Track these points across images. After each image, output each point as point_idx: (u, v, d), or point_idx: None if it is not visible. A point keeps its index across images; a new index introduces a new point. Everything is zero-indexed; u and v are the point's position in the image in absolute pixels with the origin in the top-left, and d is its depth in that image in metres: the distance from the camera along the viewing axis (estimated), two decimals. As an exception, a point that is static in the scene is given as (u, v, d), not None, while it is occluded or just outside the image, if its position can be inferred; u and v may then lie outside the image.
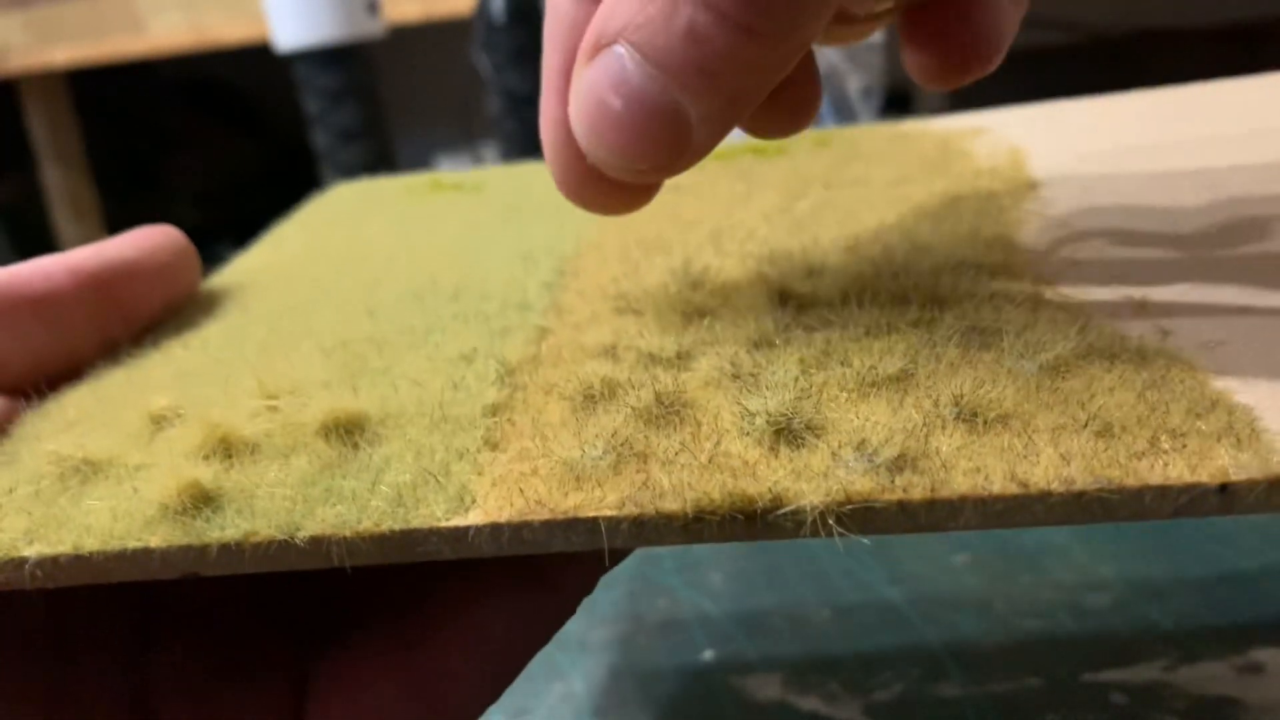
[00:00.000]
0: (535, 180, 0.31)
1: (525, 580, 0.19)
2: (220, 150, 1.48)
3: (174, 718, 0.18)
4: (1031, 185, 0.24)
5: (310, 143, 0.77)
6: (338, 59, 0.72)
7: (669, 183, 0.29)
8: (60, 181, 1.32)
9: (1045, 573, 0.30)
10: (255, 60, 0.98)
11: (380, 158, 0.79)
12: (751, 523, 0.14)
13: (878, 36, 0.62)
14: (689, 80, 0.15)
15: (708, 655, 0.29)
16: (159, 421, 0.17)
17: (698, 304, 0.20)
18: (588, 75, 0.16)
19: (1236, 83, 0.28)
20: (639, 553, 0.34)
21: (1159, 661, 0.26)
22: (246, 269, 0.27)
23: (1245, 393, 0.14)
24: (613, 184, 0.17)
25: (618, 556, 0.20)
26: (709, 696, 0.27)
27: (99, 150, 1.39)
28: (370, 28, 0.71)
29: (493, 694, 0.19)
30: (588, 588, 0.19)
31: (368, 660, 0.19)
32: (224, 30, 1.06)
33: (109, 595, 0.19)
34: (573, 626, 0.31)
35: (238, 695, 0.18)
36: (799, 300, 0.19)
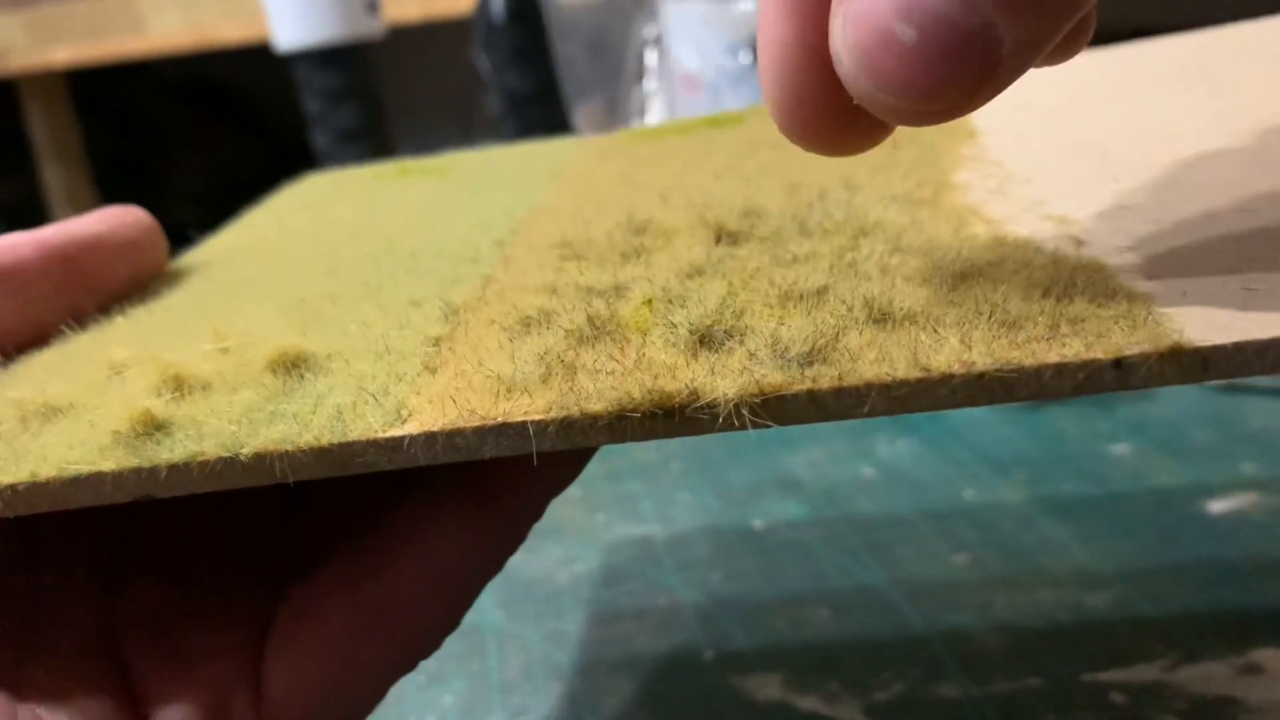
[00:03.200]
0: (499, 161, 0.32)
1: (475, 506, 0.19)
2: (220, 150, 1.48)
3: (140, 659, 0.18)
4: (970, 134, 0.25)
5: (310, 143, 0.77)
6: (338, 59, 0.72)
7: (627, 153, 0.29)
8: (60, 181, 1.32)
9: (1045, 573, 0.30)
10: (255, 60, 0.98)
11: (380, 158, 0.79)
12: (670, 418, 0.14)
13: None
14: None
15: (708, 655, 0.29)
16: (119, 370, 0.18)
17: (638, 246, 0.20)
18: (862, 1, 0.13)
19: (1183, 37, 0.29)
20: (639, 553, 0.34)
21: (1159, 661, 0.26)
22: (214, 248, 0.28)
23: (1148, 286, 0.15)
24: (857, 122, 0.15)
25: (565, 479, 0.20)
26: (709, 696, 0.27)
27: (99, 150, 1.39)
28: (370, 28, 0.71)
29: (450, 620, 0.20)
30: (537, 512, 0.20)
31: (324, 593, 0.19)
32: (224, 30, 1.06)
33: (77, 539, 0.19)
34: (573, 626, 0.31)
35: (202, 635, 0.19)
36: (734, 237, 0.20)
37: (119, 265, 0.23)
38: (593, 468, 0.43)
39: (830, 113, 0.15)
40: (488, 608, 0.33)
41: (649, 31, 0.62)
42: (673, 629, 0.30)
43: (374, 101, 0.76)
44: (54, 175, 1.32)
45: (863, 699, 0.26)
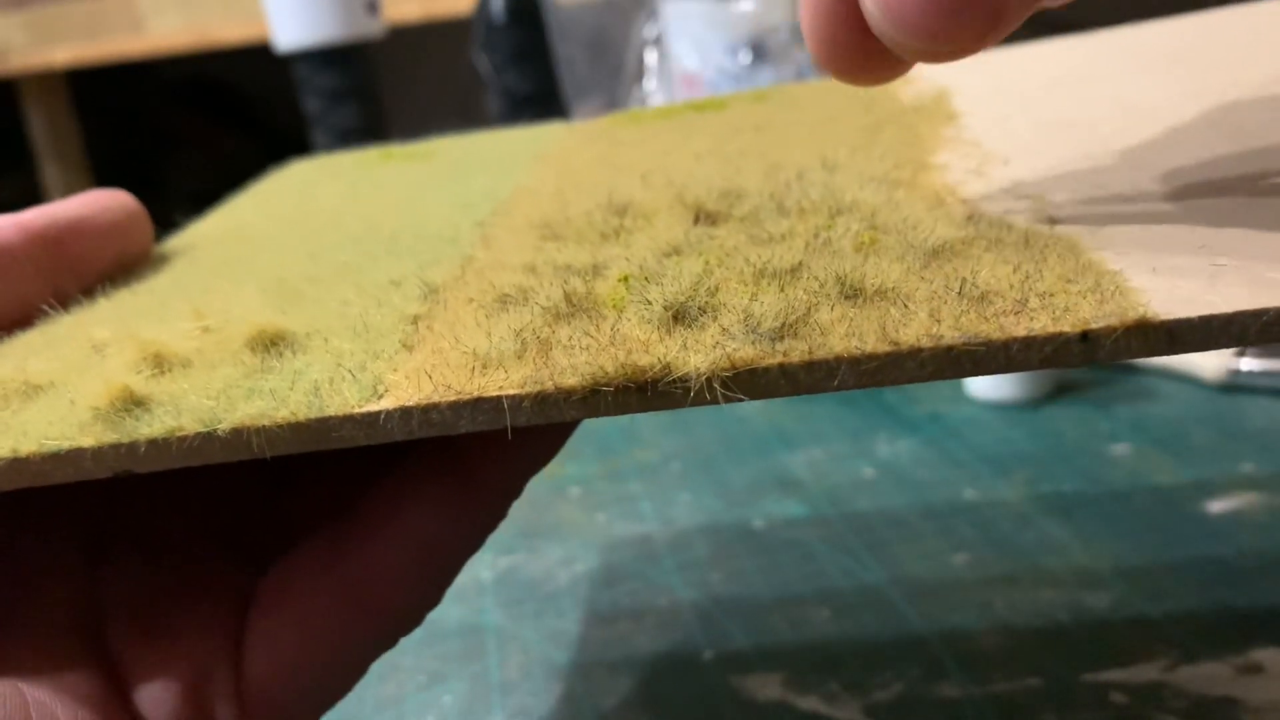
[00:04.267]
0: (482, 145, 0.32)
1: (454, 483, 0.19)
2: (220, 150, 1.48)
3: (122, 635, 0.19)
4: (951, 116, 0.25)
5: (310, 143, 0.77)
6: (338, 59, 0.72)
7: (609, 137, 0.29)
8: (60, 181, 1.32)
9: (1045, 573, 0.30)
10: (255, 60, 0.98)
11: (380, 158, 0.79)
12: (643, 392, 0.14)
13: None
14: None
15: (707, 655, 0.29)
16: (100, 349, 0.18)
17: (617, 226, 0.20)
18: None
19: (1163, 22, 0.29)
20: (639, 553, 0.34)
21: (1159, 661, 0.26)
22: (198, 232, 0.28)
23: (1117, 262, 0.15)
24: (886, 58, 0.16)
25: (544, 457, 0.20)
26: (709, 696, 0.27)
27: (99, 150, 1.39)
28: (370, 28, 0.71)
29: (430, 597, 0.20)
30: (517, 489, 0.20)
31: (304, 570, 0.19)
32: (224, 30, 1.06)
33: (60, 517, 0.19)
34: (573, 626, 0.31)
35: (183, 614, 0.19)
36: (712, 217, 0.20)
37: (102, 248, 0.23)
38: (593, 468, 0.43)
39: (859, 49, 0.16)
40: (488, 608, 0.33)
41: (649, 31, 0.62)
42: (672, 629, 0.30)
43: (374, 101, 0.75)
44: (54, 175, 1.32)
45: (863, 699, 0.26)
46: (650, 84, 0.62)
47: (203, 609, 0.19)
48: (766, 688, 0.27)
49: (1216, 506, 0.33)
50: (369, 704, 0.29)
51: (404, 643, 0.32)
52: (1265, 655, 0.26)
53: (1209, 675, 0.25)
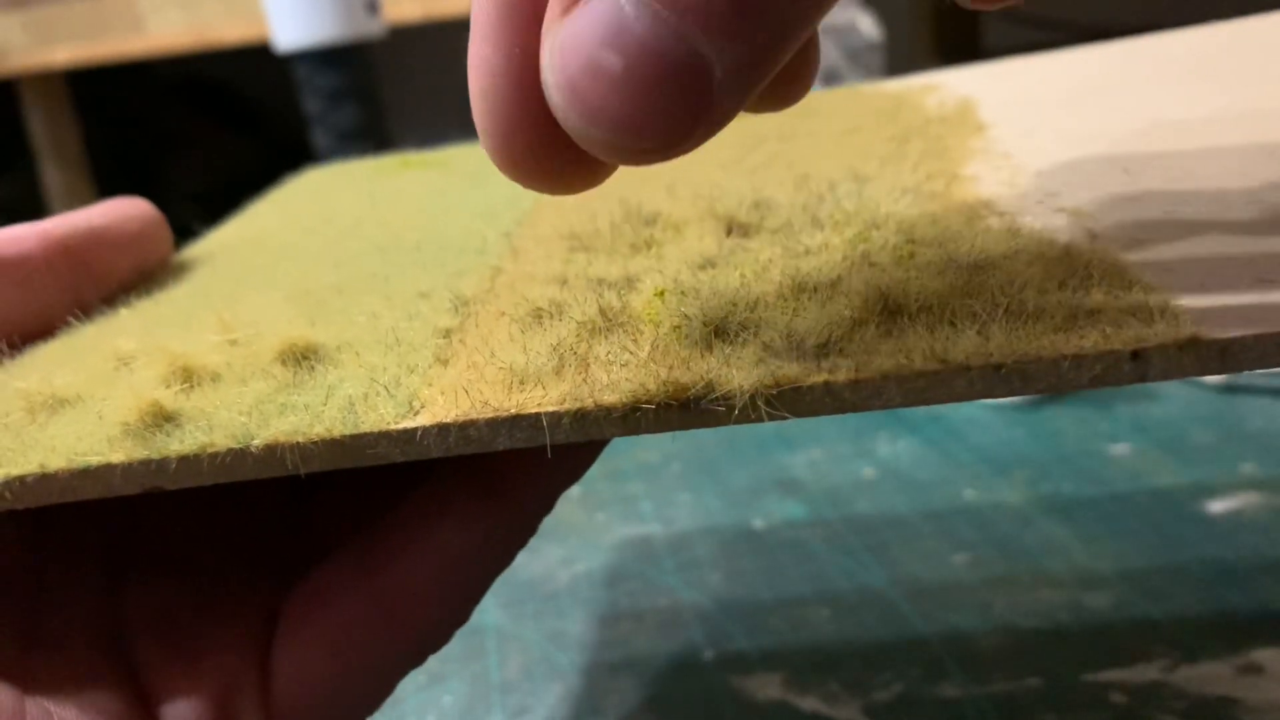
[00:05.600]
0: None
1: (484, 499, 0.19)
2: (220, 150, 1.48)
3: (147, 652, 0.18)
4: (979, 128, 0.25)
5: (310, 143, 0.77)
6: (338, 59, 0.72)
7: None
8: (60, 181, 1.32)
9: (1045, 573, 0.30)
10: (255, 60, 0.98)
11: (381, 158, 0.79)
12: (686, 410, 0.14)
13: (877, 35, 0.61)
14: (716, 18, 0.12)
15: (708, 655, 0.29)
16: (126, 361, 0.18)
17: (647, 238, 0.20)
18: (570, 28, 0.12)
19: (1187, 31, 0.29)
20: (639, 552, 0.34)
21: (1159, 661, 0.26)
22: (218, 240, 0.28)
23: (1163, 278, 0.15)
24: (574, 157, 0.14)
25: (576, 473, 0.20)
26: (709, 696, 0.27)
27: (99, 150, 1.39)
28: (370, 28, 0.71)
29: (460, 614, 0.19)
30: (548, 505, 0.20)
31: (333, 586, 0.19)
32: (224, 30, 1.06)
33: (85, 531, 0.19)
34: (573, 626, 0.31)
35: (209, 630, 0.19)
36: (745, 229, 0.20)
37: (123, 257, 0.23)
38: (593, 468, 0.43)
39: (545, 147, 0.14)
40: (488, 608, 0.33)
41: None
42: (673, 629, 0.30)
43: (374, 101, 0.75)
44: (54, 175, 1.32)
45: (863, 699, 0.26)
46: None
47: (229, 625, 0.19)
48: (766, 688, 0.27)
49: (1216, 507, 0.33)
50: (369, 704, 0.29)
51: (404, 643, 0.32)
52: (1265, 655, 0.26)
53: (1209, 675, 0.25)
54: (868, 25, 0.61)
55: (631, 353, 0.15)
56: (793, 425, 0.42)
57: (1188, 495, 0.33)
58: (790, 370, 0.14)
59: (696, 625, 0.30)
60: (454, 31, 0.91)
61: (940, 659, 0.27)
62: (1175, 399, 0.40)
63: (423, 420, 0.15)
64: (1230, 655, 0.26)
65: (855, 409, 0.14)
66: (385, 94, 0.81)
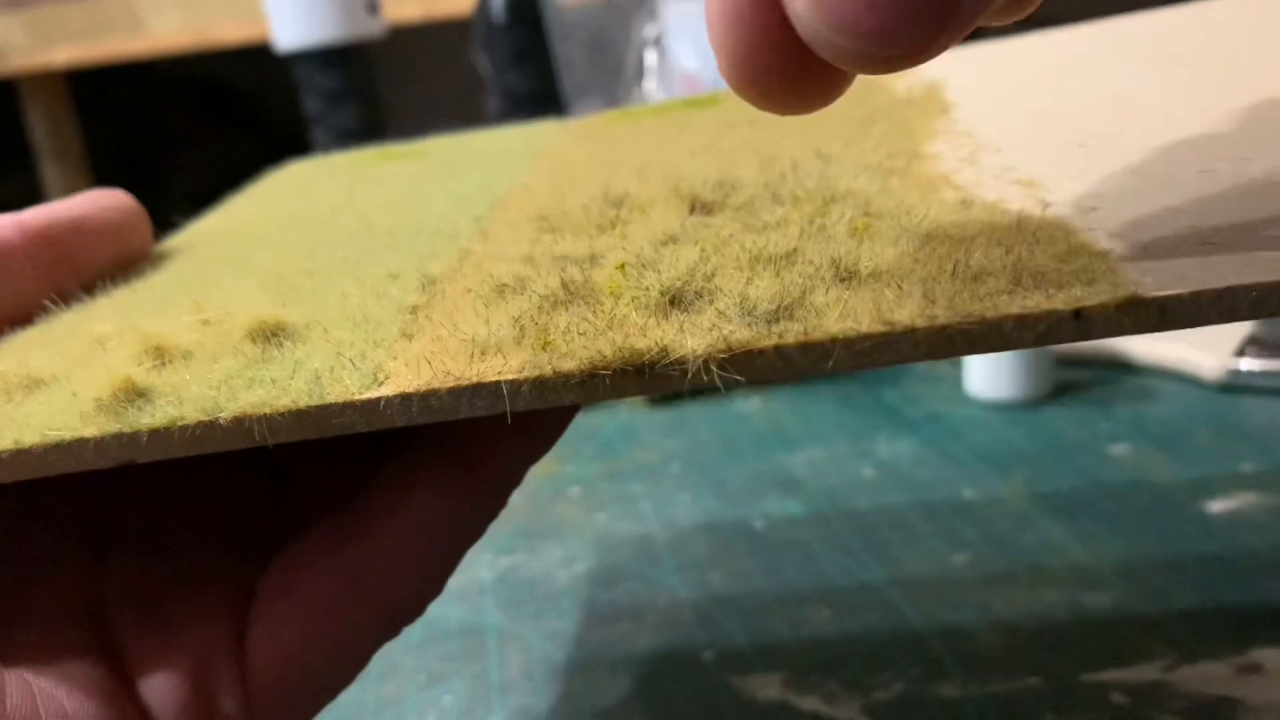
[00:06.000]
0: (478, 143, 0.32)
1: (454, 472, 0.19)
2: (220, 150, 1.48)
3: (127, 627, 0.19)
4: (944, 108, 0.25)
5: (310, 143, 0.77)
6: (338, 59, 0.72)
7: (605, 134, 0.30)
8: (60, 181, 1.32)
9: (1045, 572, 0.30)
10: (255, 60, 0.98)
11: (380, 158, 0.79)
12: (641, 375, 0.15)
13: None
14: None
15: (707, 655, 0.29)
16: (102, 343, 0.18)
17: (613, 218, 0.20)
18: None
19: (1153, 13, 0.29)
20: (639, 552, 0.34)
21: (1159, 661, 0.26)
22: (197, 231, 0.28)
23: (1109, 242, 0.15)
24: (813, 73, 0.14)
25: (543, 445, 0.20)
26: (709, 696, 0.27)
27: (99, 150, 1.39)
28: (370, 28, 0.71)
29: (432, 586, 0.20)
30: (517, 478, 0.20)
31: (306, 560, 0.19)
32: (224, 30, 1.06)
33: (65, 509, 0.20)
34: (573, 626, 0.31)
35: (187, 604, 0.19)
36: (708, 206, 0.20)
37: (102, 247, 0.23)
38: (593, 468, 0.43)
39: (784, 63, 0.13)
40: (488, 608, 0.33)
41: (649, 31, 0.62)
42: (672, 629, 0.30)
43: (374, 101, 0.75)
44: (54, 175, 1.32)
45: (863, 699, 0.26)
46: (650, 84, 0.62)
47: (206, 599, 0.19)
48: (766, 688, 0.27)
49: (1216, 506, 0.33)
50: (369, 704, 0.29)
51: (404, 643, 0.32)
52: (1265, 655, 0.26)
53: (1208, 675, 0.25)
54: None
55: (590, 322, 0.15)
56: (793, 425, 0.42)
57: (1187, 495, 0.33)
58: (742, 335, 0.14)
59: (696, 625, 0.30)
60: (454, 31, 0.91)
61: (940, 658, 0.27)
62: (1175, 399, 0.40)
63: (386, 390, 0.15)
64: (1230, 654, 0.26)
65: (805, 372, 0.14)
66: (385, 94, 0.81)
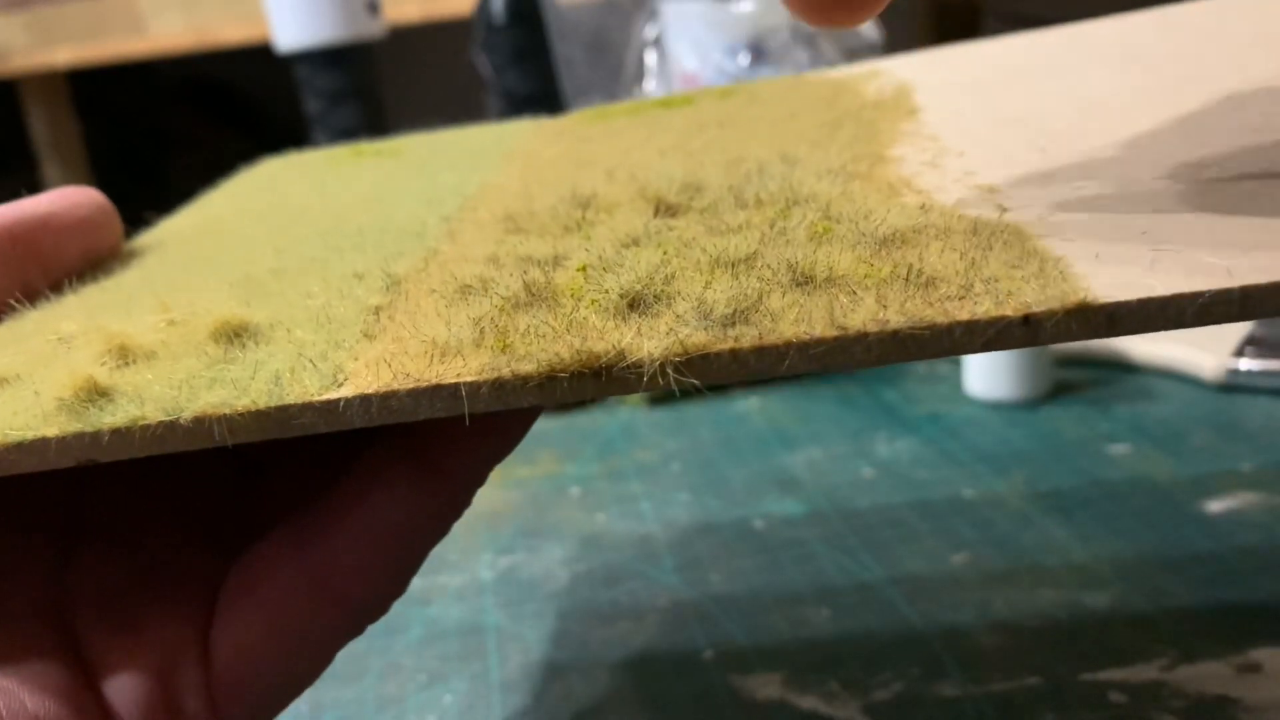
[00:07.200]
0: (452, 142, 0.33)
1: (417, 472, 0.19)
2: (221, 150, 1.48)
3: (91, 626, 0.19)
4: (911, 111, 0.25)
5: (311, 143, 0.77)
6: (338, 59, 0.72)
7: (576, 133, 0.30)
8: (60, 181, 1.32)
9: (1044, 572, 0.30)
10: (255, 60, 0.98)
11: (380, 158, 0.79)
12: (598, 378, 0.15)
13: (877, 36, 0.62)
14: None
15: (708, 655, 0.29)
16: (66, 342, 0.18)
17: (579, 219, 0.21)
18: None
19: (1118, 18, 0.29)
20: (639, 552, 0.35)
21: (1158, 661, 0.26)
22: (168, 228, 0.28)
23: (1062, 248, 0.15)
24: None
25: (506, 445, 0.21)
26: (709, 696, 0.27)
27: (99, 150, 1.39)
28: (370, 28, 0.71)
29: (394, 586, 0.20)
30: (480, 478, 0.20)
31: (270, 559, 0.19)
32: (224, 31, 1.06)
33: (29, 508, 0.20)
34: (573, 626, 0.31)
35: (151, 604, 0.19)
36: (673, 209, 0.20)
37: (71, 243, 0.23)
38: (593, 468, 0.43)
39: None
40: (488, 608, 0.33)
41: (649, 32, 0.62)
42: (673, 629, 0.30)
43: (374, 102, 0.76)
44: (54, 175, 1.32)
45: (862, 698, 0.26)
46: (650, 85, 0.62)
47: (171, 599, 0.19)
48: (766, 687, 0.27)
49: (1215, 506, 0.33)
50: (369, 704, 0.29)
51: (404, 642, 0.32)
52: (1264, 654, 0.26)
53: (1208, 674, 0.26)
54: (867, 25, 0.61)
55: (550, 325, 0.16)
56: (792, 425, 0.42)
57: (1186, 494, 0.33)
58: (698, 338, 0.15)
59: (696, 625, 0.30)
60: (454, 31, 0.91)
61: (939, 658, 0.27)
62: (1174, 399, 0.40)
63: (345, 392, 0.15)
64: (1229, 654, 0.26)
65: (760, 374, 0.15)
66: (385, 94, 0.81)
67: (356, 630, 0.20)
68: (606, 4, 0.64)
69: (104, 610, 0.19)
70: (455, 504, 0.20)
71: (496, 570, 0.35)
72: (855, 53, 0.61)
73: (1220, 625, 0.27)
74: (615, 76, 0.65)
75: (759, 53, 0.56)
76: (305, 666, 0.20)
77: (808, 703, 0.27)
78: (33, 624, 0.18)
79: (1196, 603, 0.28)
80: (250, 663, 0.19)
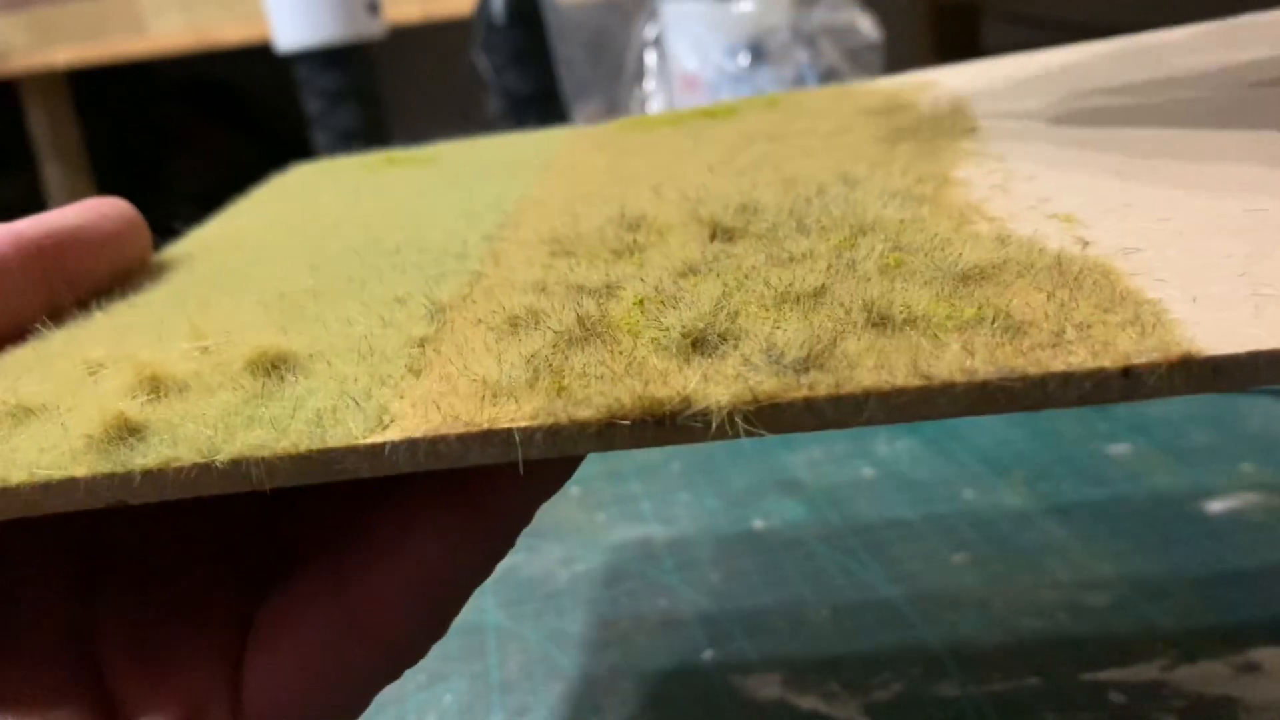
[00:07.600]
0: (487, 151, 0.32)
1: (461, 512, 0.18)
2: (221, 150, 1.48)
3: (117, 664, 0.18)
4: (971, 128, 0.24)
5: (310, 143, 0.77)
6: (338, 59, 0.72)
7: (617, 144, 0.29)
8: (60, 181, 1.32)
9: (1045, 573, 0.30)
10: (255, 60, 0.98)
11: (380, 158, 0.79)
12: (661, 426, 0.14)
13: (877, 36, 0.62)
14: None
15: (708, 655, 0.29)
16: (95, 370, 0.18)
17: (630, 243, 0.20)
18: None
19: (1190, 28, 0.28)
20: (639, 553, 0.34)
21: (1158, 661, 0.26)
22: (198, 240, 0.27)
23: (1156, 290, 0.14)
24: None
25: (555, 483, 0.20)
26: (709, 696, 0.27)
27: (99, 150, 1.39)
28: (370, 28, 0.71)
29: (435, 629, 0.19)
30: (526, 518, 0.19)
31: (305, 600, 0.18)
32: (224, 31, 1.06)
33: (53, 544, 0.19)
34: (573, 626, 0.31)
35: (179, 644, 0.18)
36: (729, 233, 0.19)
37: (99, 259, 0.23)
38: (593, 468, 0.43)
39: None
40: (488, 608, 0.33)
41: (649, 32, 0.62)
42: (673, 629, 0.30)
43: (374, 101, 0.76)
44: (54, 175, 1.32)
45: (862, 699, 0.26)
46: (650, 85, 0.62)
47: (200, 639, 0.19)
48: (766, 688, 0.27)
49: (1216, 507, 0.33)
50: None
51: (404, 642, 0.32)
52: (1264, 655, 0.26)
53: (1208, 675, 0.26)
54: (867, 25, 0.61)
55: (608, 366, 0.15)
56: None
57: (1187, 495, 0.33)
58: (769, 385, 0.13)
59: (696, 625, 0.30)
60: (454, 31, 0.91)
61: (939, 659, 0.27)
62: (1174, 399, 0.40)
63: (392, 435, 0.14)
64: (1229, 654, 0.26)
65: (837, 426, 0.13)
66: (385, 94, 0.81)
67: (394, 674, 0.19)
68: (606, 4, 0.64)
69: (130, 650, 0.18)
70: (500, 545, 0.19)
71: (496, 570, 0.35)
72: (855, 52, 0.61)
73: (1220, 626, 0.27)
74: (615, 76, 0.65)
75: (759, 53, 0.56)
76: (339, 708, 0.19)
77: (808, 703, 0.27)
78: (56, 666, 0.18)
79: (1196, 603, 0.28)
80: (281, 703, 0.18)
